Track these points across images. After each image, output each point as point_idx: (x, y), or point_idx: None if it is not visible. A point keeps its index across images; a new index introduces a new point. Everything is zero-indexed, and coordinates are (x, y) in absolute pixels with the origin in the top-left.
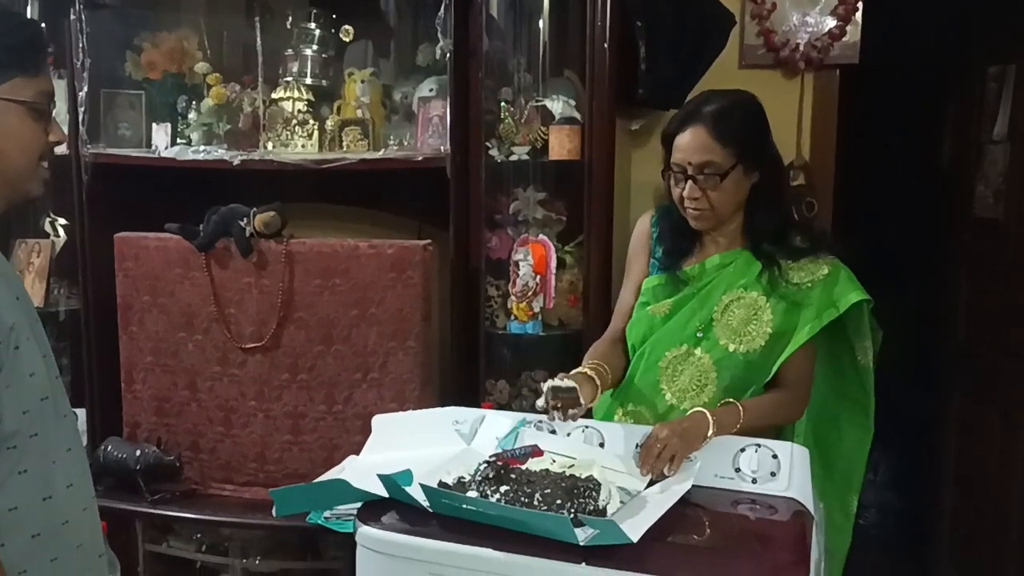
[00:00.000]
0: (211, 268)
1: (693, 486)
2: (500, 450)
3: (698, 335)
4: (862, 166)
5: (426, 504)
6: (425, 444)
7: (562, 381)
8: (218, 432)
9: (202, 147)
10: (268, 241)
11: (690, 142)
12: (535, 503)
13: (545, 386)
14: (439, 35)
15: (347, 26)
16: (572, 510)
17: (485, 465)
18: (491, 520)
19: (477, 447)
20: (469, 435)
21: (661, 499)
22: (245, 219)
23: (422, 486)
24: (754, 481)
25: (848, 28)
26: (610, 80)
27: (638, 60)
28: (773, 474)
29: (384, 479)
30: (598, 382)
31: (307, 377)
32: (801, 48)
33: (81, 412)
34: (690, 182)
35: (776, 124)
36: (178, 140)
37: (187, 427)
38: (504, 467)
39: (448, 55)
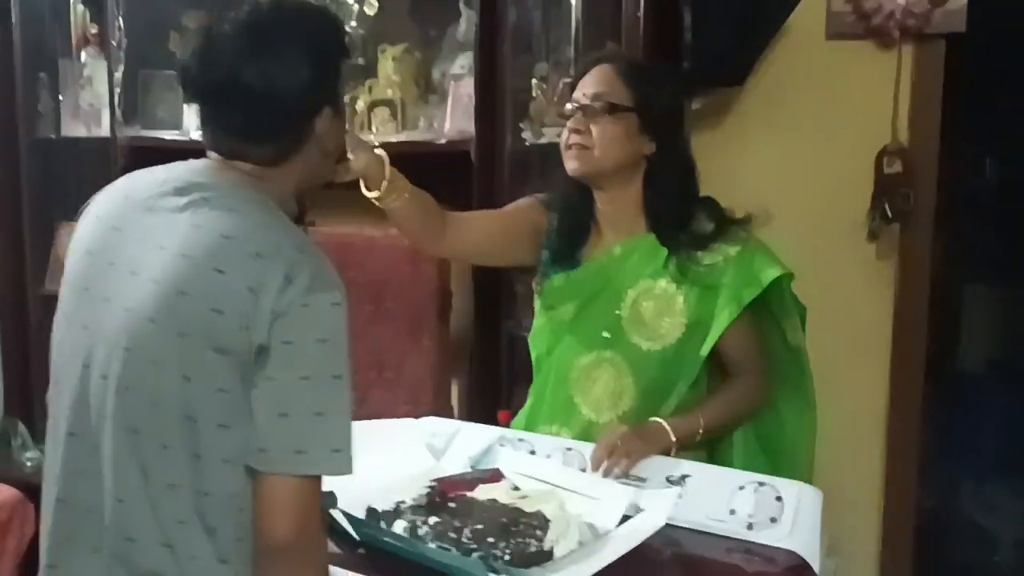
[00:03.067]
0: None
1: (684, 529)
2: (468, 470)
3: (605, 336)
4: (970, 151)
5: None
6: (396, 457)
7: None
8: None
9: None
10: None
11: (593, 76)
12: (463, 539)
13: None
14: (460, 6)
15: None
16: (504, 550)
17: (427, 491)
18: (410, 556)
19: (446, 464)
20: (441, 450)
21: (625, 542)
22: None
23: (343, 513)
24: (750, 527)
25: None
26: (644, 53)
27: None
28: (773, 519)
29: None
30: (387, 168)
31: None
32: (896, 15)
33: None
34: (578, 113)
35: (869, 103)
36: None
37: None
38: (440, 495)
39: (475, 28)
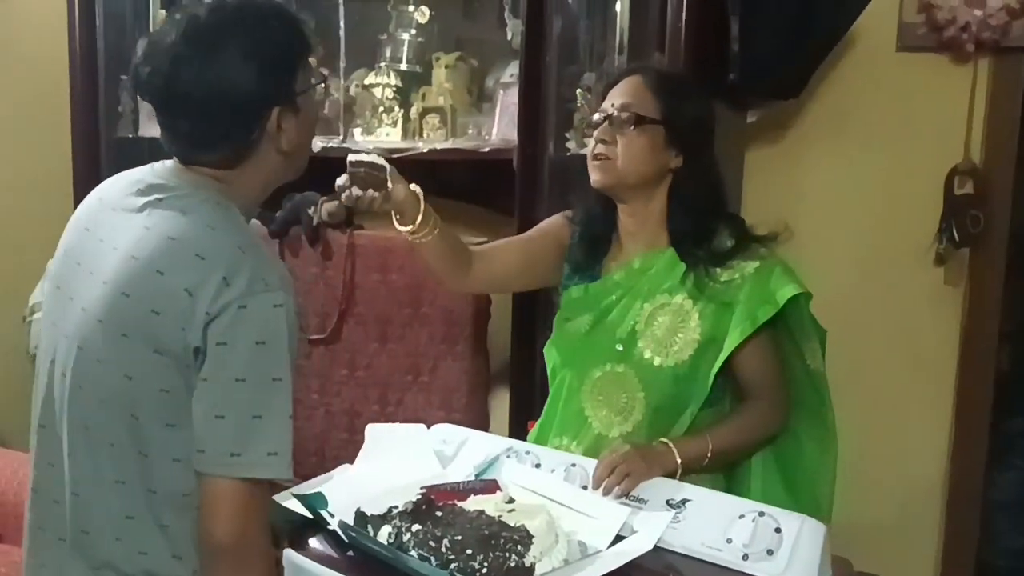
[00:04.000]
0: (284, 255)
1: (679, 555)
2: (470, 479)
3: (618, 349)
4: None
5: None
6: (404, 462)
7: (372, 156)
8: None
9: None
10: (335, 231)
11: (622, 87)
12: (442, 549)
13: (351, 156)
14: (506, 16)
15: (424, 7)
16: (482, 563)
17: (418, 497)
18: (389, 562)
19: (452, 472)
20: (450, 457)
21: (610, 562)
22: (313, 207)
23: (331, 516)
24: (745, 557)
25: None
26: (686, 65)
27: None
28: (770, 552)
29: (301, 499)
30: (422, 203)
31: (364, 374)
32: (972, 27)
33: None
34: (605, 123)
35: (940, 119)
36: None
37: None
38: (427, 503)
39: (520, 38)
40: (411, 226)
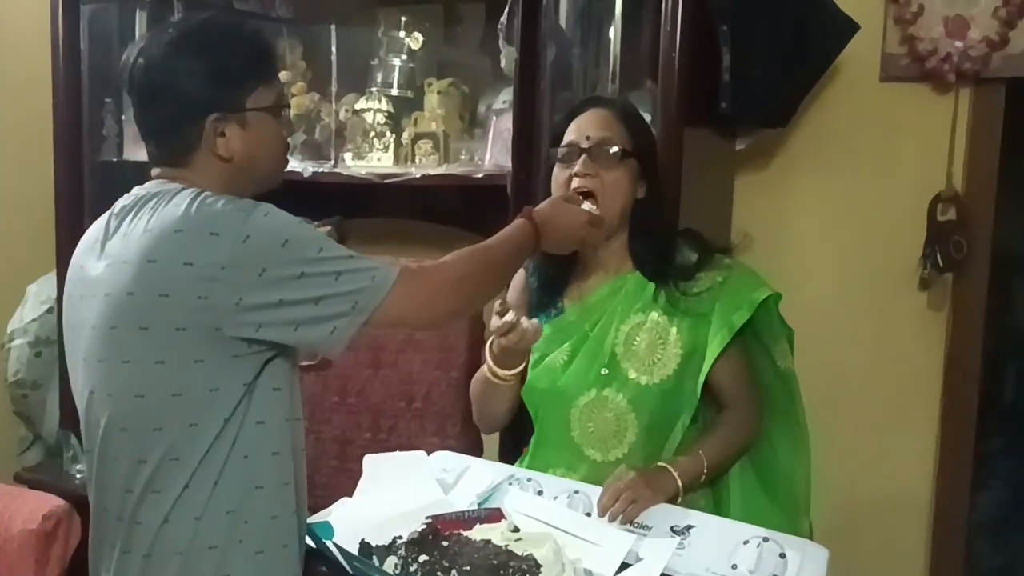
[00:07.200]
0: None
1: None
2: (473, 507)
3: (603, 373)
4: None
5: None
6: (407, 490)
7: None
8: None
9: None
10: None
11: (591, 119)
12: None
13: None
14: (500, 43)
15: (417, 33)
16: None
17: (422, 527)
18: None
19: (454, 500)
20: (451, 485)
21: None
22: None
23: (336, 546)
24: None
25: (1012, 35)
26: (679, 95)
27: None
28: None
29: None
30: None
31: (355, 401)
32: (953, 58)
33: None
34: (584, 156)
35: (923, 147)
36: None
37: None
38: (433, 532)
39: (515, 64)
40: (507, 372)
